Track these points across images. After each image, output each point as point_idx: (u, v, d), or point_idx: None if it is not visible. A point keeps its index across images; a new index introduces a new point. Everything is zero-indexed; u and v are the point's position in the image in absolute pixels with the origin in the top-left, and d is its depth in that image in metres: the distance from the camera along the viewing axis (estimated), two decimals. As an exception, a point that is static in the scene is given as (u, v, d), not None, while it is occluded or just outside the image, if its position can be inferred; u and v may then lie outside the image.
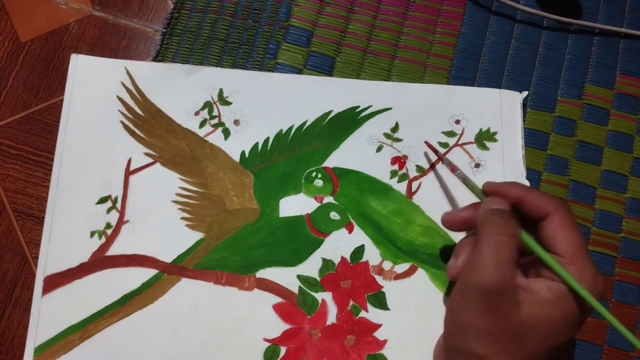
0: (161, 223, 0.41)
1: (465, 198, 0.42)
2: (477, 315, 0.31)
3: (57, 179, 0.42)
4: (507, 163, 0.43)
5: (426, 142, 0.43)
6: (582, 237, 0.33)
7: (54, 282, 0.40)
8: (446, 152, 0.43)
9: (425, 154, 0.43)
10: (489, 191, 0.36)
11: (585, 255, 0.32)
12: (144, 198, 0.42)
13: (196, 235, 0.41)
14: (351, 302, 0.40)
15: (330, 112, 0.44)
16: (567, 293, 0.31)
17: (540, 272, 0.33)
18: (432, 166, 0.43)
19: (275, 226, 0.42)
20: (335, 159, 0.43)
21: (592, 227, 0.43)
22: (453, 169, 0.40)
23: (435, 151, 0.43)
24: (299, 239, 0.41)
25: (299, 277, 0.41)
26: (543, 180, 0.44)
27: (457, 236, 0.42)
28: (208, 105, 0.44)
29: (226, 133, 0.44)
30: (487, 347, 0.31)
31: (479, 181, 0.40)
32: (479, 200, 0.36)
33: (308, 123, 0.44)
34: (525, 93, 0.45)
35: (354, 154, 0.43)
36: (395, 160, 0.43)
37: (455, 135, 0.44)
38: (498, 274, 0.31)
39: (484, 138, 0.44)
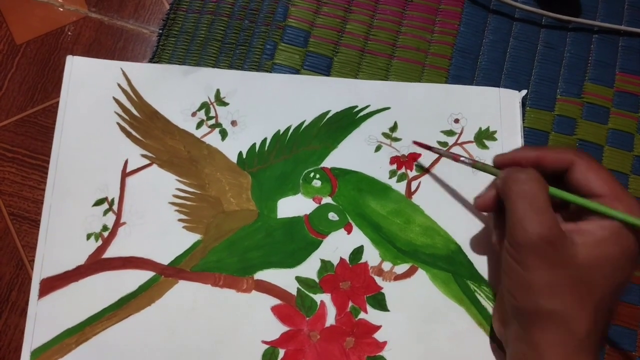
0: (158, 225, 0.41)
1: (467, 195, 0.42)
2: (536, 271, 0.31)
3: (53, 181, 0.42)
4: (507, 162, 0.43)
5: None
6: (612, 174, 0.33)
7: (50, 285, 0.40)
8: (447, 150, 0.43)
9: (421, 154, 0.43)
10: (502, 164, 0.35)
11: (624, 189, 0.32)
12: (141, 200, 0.42)
13: (193, 237, 0.41)
14: (350, 304, 0.40)
15: (328, 112, 0.44)
16: (621, 227, 0.31)
17: (586, 216, 0.32)
18: (432, 165, 0.43)
19: (273, 227, 0.41)
20: (334, 159, 0.43)
21: (593, 226, 0.42)
22: (455, 157, 0.39)
23: (429, 147, 0.41)
24: (297, 240, 0.41)
25: (298, 278, 0.40)
26: (543, 179, 0.43)
27: (459, 236, 0.41)
28: (205, 106, 0.44)
29: (223, 134, 0.43)
30: (557, 300, 0.30)
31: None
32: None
33: (306, 123, 0.44)
34: (524, 92, 0.44)
35: (352, 154, 0.43)
36: (394, 160, 0.43)
37: (455, 134, 0.44)
38: (541, 222, 0.31)
39: (484, 137, 0.43)
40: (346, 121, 0.44)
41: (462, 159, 0.38)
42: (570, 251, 0.30)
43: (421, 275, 0.40)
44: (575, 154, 0.33)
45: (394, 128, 0.44)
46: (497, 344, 0.39)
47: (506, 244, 0.33)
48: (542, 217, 0.31)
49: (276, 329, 0.39)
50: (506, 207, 0.33)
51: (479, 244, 0.41)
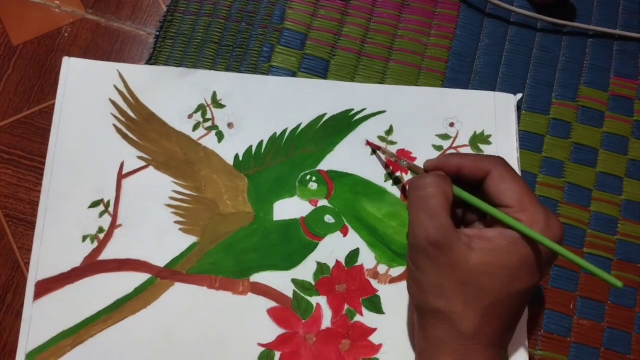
0: (154, 227, 0.41)
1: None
2: (426, 271, 0.32)
3: (48, 183, 0.42)
4: (502, 165, 0.43)
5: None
6: (526, 185, 0.33)
7: (46, 287, 0.40)
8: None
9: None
10: (429, 168, 0.36)
11: (532, 201, 0.32)
12: (137, 202, 0.42)
13: (189, 239, 0.41)
14: (346, 306, 0.40)
15: (324, 114, 0.44)
16: (519, 238, 0.31)
17: (494, 224, 0.33)
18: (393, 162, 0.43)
19: (269, 230, 0.41)
20: (330, 162, 0.43)
21: (588, 229, 0.43)
22: (398, 157, 0.41)
23: (376, 147, 0.43)
24: (293, 242, 0.41)
25: (293, 280, 0.40)
26: (538, 182, 0.44)
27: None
28: (201, 108, 0.44)
29: (220, 136, 0.43)
30: (443, 299, 0.31)
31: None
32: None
33: (302, 126, 0.44)
34: (519, 95, 0.44)
35: (348, 156, 0.43)
36: (389, 162, 0.43)
37: (450, 138, 0.44)
38: (429, 226, 0.31)
39: (478, 140, 0.44)
40: (342, 124, 0.44)
41: (401, 160, 0.40)
42: (462, 255, 0.31)
43: (416, 277, 0.41)
44: (492, 163, 0.34)
45: (389, 131, 0.44)
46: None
47: (407, 245, 0.34)
48: (431, 221, 0.31)
49: (272, 331, 0.39)
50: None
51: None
